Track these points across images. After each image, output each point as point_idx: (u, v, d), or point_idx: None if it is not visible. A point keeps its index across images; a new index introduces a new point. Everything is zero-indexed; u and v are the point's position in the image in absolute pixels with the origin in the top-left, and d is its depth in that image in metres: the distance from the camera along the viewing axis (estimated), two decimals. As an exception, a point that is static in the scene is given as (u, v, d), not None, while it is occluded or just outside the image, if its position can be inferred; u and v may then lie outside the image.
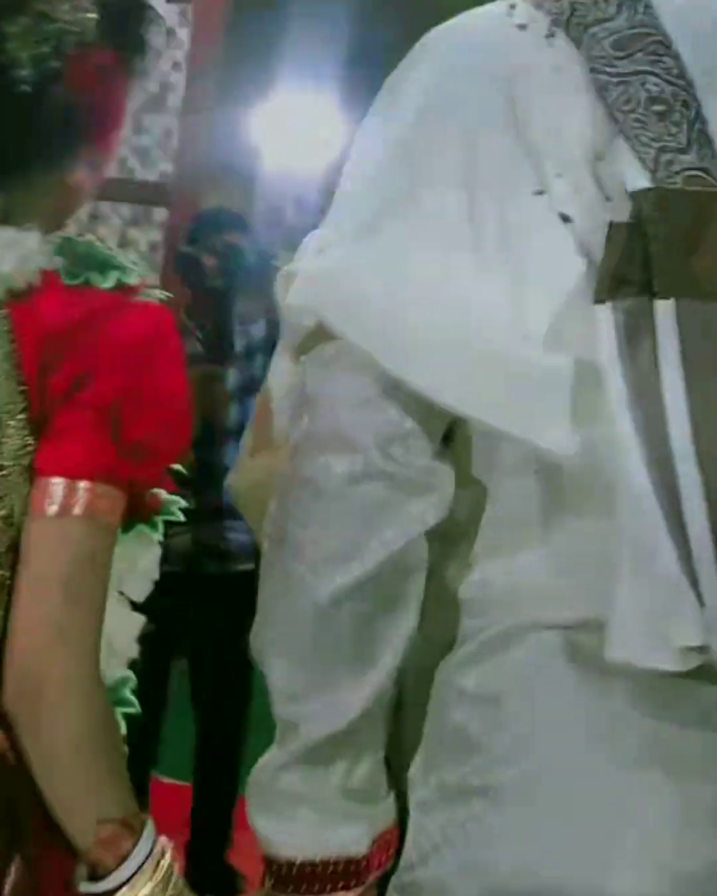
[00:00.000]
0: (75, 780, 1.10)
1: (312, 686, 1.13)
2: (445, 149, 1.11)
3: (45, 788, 1.09)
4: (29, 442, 1.09)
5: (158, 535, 1.21)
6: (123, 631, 1.18)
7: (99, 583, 1.11)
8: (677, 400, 1.01)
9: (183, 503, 1.23)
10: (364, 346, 1.08)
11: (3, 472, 1.09)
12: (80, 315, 1.09)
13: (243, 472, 1.28)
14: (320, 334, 1.12)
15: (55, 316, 1.09)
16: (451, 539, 1.17)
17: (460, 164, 1.10)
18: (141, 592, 1.21)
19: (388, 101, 1.17)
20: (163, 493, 1.20)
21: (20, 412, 1.09)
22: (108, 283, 1.11)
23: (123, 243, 4.18)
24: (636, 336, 1.02)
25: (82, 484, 1.09)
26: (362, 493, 1.10)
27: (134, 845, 1.10)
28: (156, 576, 1.22)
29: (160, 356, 1.13)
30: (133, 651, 1.21)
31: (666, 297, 1.02)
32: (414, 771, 1.19)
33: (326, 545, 1.11)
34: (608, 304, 1.02)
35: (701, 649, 1.00)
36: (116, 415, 1.09)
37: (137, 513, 1.17)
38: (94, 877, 1.11)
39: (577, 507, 1.09)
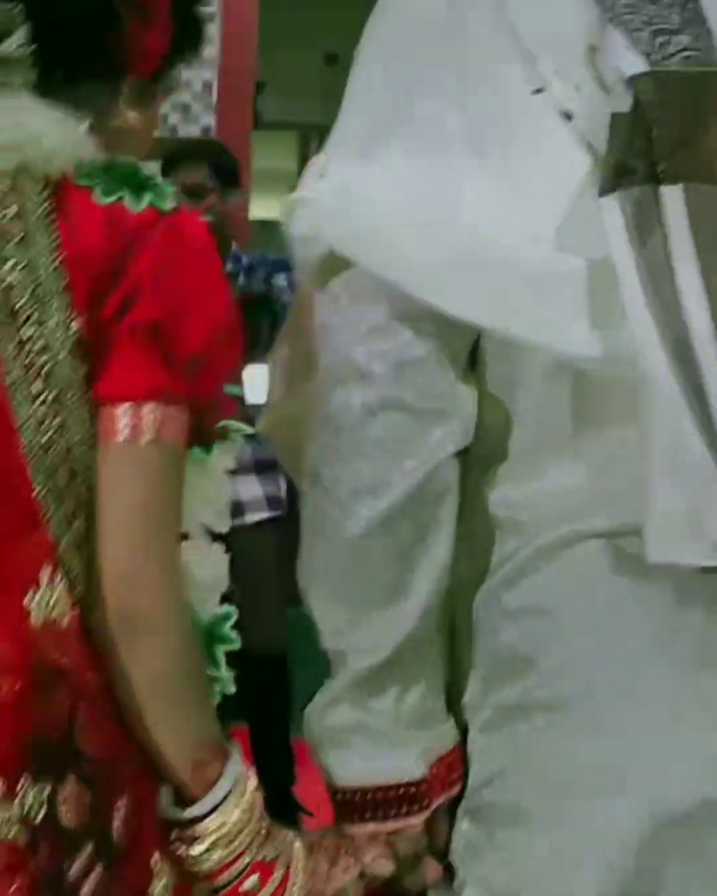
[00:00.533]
0: (171, 705, 1.11)
1: (354, 619, 1.14)
2: (437, 58, 1.08)
3: (140, 714, 1.10)
4: (72, 322, 1.08)
5: (227, 461, 1.21)
6: (209, 564, 1.18)
7: (175, 509, 1.11)
8: (693, 290, 0.97)
9: (247, 429, 1.22)
10: (373, 268, 1.06)
11: (50, 353, 1.08)
12: (120, 236, 1.09)
13: (273, 415, 1.27)
14: (331, 266, 1.10)
15: (95, 237, 1.09)
16: (487, 461, 1.15)
17: (454, 71, 1.07)
18: (220, 522, 1.21)
19: (379, 11, 1.15)
20: (229, 424, 1.20)
21: (60, 291, 1.08)
22: (139, 206, 1.10)
23: (173, 201, 4.15)
24: (645, 227, 0.98)
25: (146, 407, 1.08)
26: (380, 424, 1.08)
27: (222, 770, 1.12)
28: (227, 499, 1.22)
29: (201, 269, 1.12)
30: (224, 584, 1.21)
31: (672, 183, 0.98)
32: (472, 695, 1.18)
33: (351, 480, 1.10)
34: (614, 196, 0.99)
35: None
36: (166, 333, 1.08)
37: (203, 442, 1.17)
38: (183, 802, 1.12)
39: (605, 413, 1.07)
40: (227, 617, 1.21)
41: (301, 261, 1.13)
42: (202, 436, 1.16)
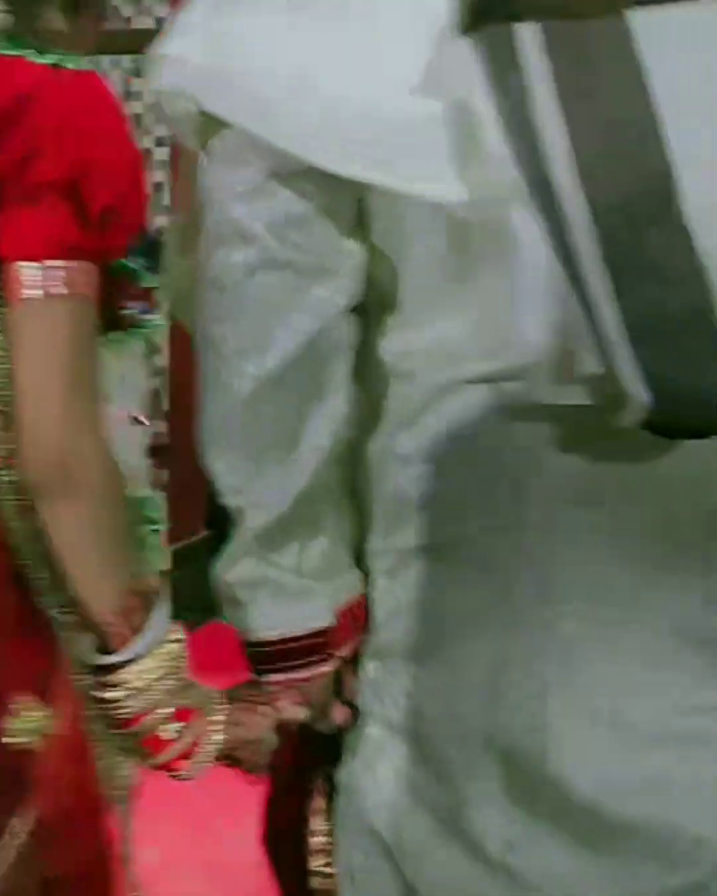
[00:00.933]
0: (105, 550, 1.13)
1: (250, 476, 1.16)
2: None
3: (72, 557, 1.12)
4: None
5: (139, 348, 1.22)
6: (129, 446, 1.21)
7: (94, 363, 1.12)
8: (552, 129, 0.98)
9: (164, 324, 1.23)
10: (246, 126, 1.06)
11: None
12: (16, 89, 1.08)
13: (173, 275, 1.28)
14: (206, 126, 1.10)
15: None
16: (378, 312, 1.17)
17: None
18: (139, 405, 1.23)
19: None
20: (144, 316, 1.21)
21: None
22: (45, 60, 1.09)
23: (128, 95, 4.12)
24: (505, 66, 0.98)
25: (56, 263, 1.08)
26: (261, 284, 1.10)
27: (146, 621, 1.15)
28: (144, 384, 1.25)
29: (106, 122, 1.12)
30: (143, 465, 1.23)
31: (530, 20, 0.98)
32: (374, 542, 1.21)
33: (238, 340, 1.12)
34: (472, 37, 0.99)
35: (603, 377, 1.00)
36: (76, 187, 1.08)
37: (115, 326, 1.18)
38: (105, 650, 1.16)
39: (481, 262, 1.08)
40: (150, 500, 1.24)
41: (171, 119, 1.14)
42: (115, 317, 1.17)
